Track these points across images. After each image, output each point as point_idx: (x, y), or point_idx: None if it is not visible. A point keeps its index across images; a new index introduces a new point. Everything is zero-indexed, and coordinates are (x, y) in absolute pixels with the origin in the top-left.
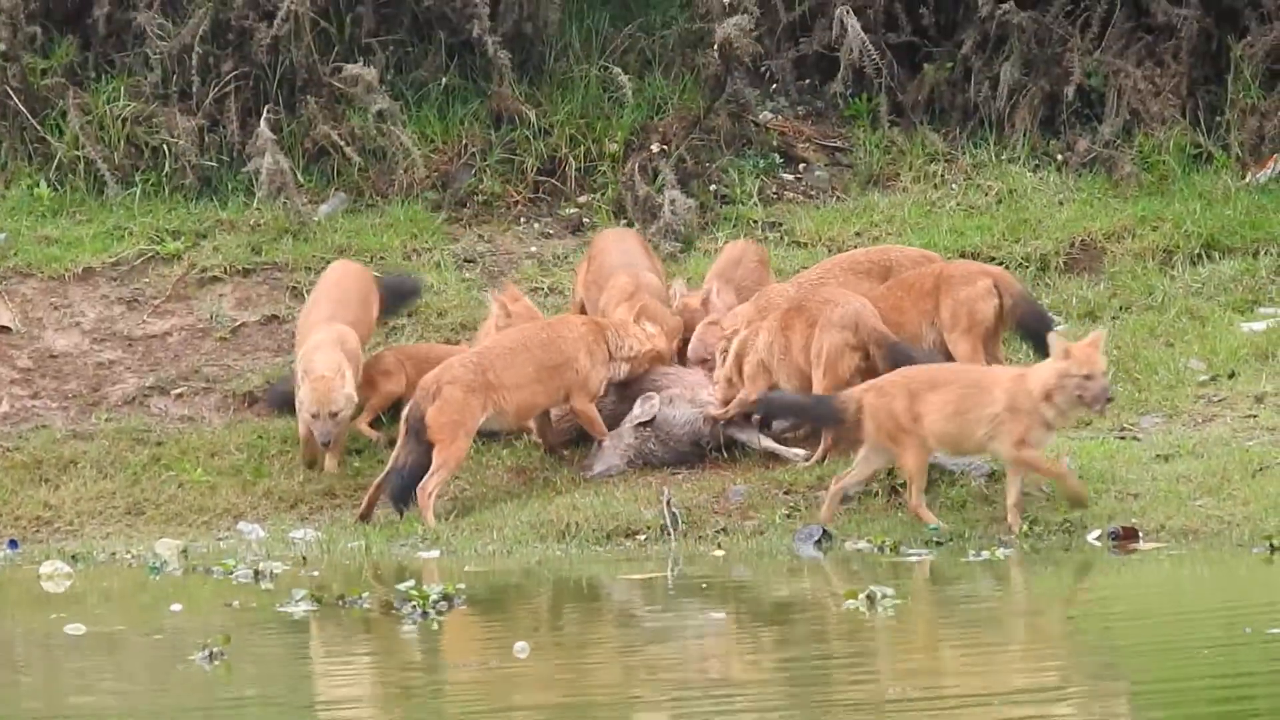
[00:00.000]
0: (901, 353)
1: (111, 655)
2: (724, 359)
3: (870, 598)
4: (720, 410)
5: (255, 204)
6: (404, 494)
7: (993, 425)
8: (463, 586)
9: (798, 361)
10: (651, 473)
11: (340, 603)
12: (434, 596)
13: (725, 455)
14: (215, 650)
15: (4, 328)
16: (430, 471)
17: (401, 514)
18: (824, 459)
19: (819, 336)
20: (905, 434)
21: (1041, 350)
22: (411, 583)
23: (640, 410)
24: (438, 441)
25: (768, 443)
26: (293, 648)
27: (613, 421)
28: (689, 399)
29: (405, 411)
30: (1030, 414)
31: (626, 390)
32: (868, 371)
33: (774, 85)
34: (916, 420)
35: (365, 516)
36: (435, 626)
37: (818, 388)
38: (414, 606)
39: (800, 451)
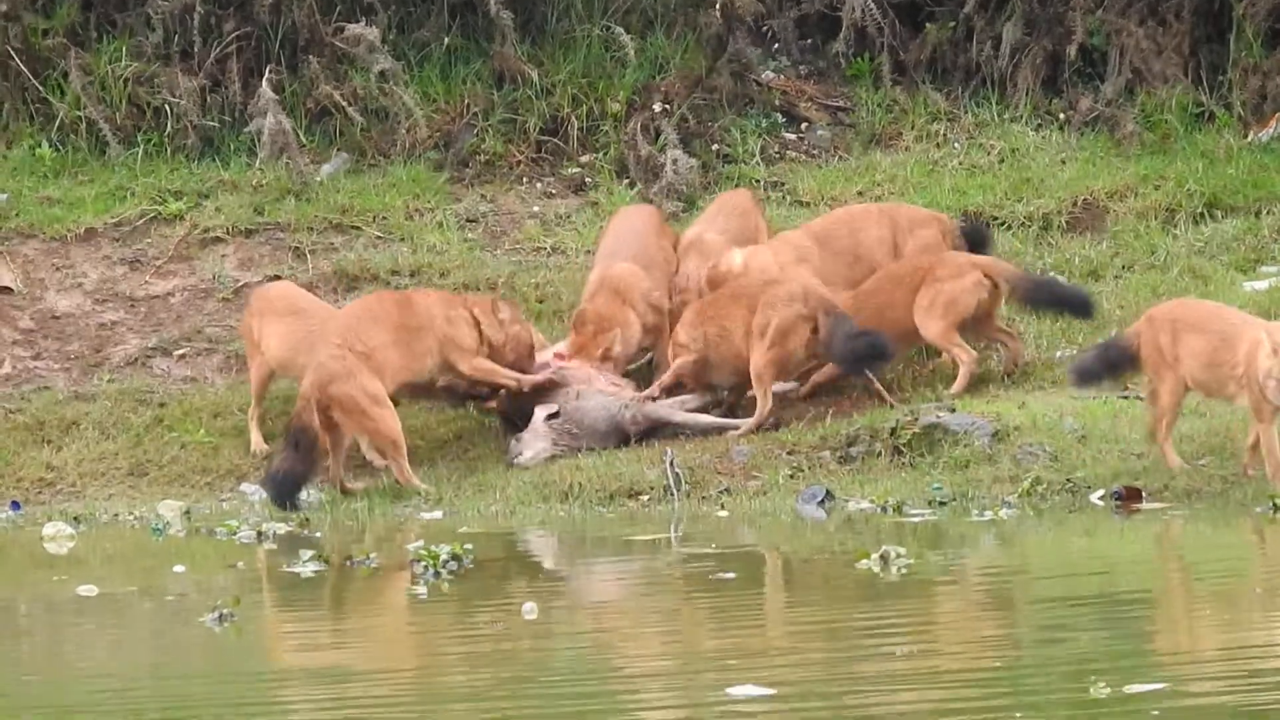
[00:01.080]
0: (844, 323)
1: (126, 617)
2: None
3: (884, 558)
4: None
5: (257, 164)
6: (278, 499)
7: (1238, 384)
8: (470, 547)
9: (737, 347)
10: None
11: (349, 563)
12: (444, 557)
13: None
14: (225, 612)
15: (6, 288)
16: (392, 460)
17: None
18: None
19: (765, 312)
20: (1166, 369)
21: (1061, 315)
22: (421, 543)
23: (541, 411)
24: (368, 433)
25: (705, 418)
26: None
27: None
28: (593, 389)
29: (291, 422)
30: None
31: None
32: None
33: (776, 44)
34: (1176, 360)
35: (343, 492)
36: (445, 587)
37: (760, 359)
38: (425, 567)
39: (744, 422)
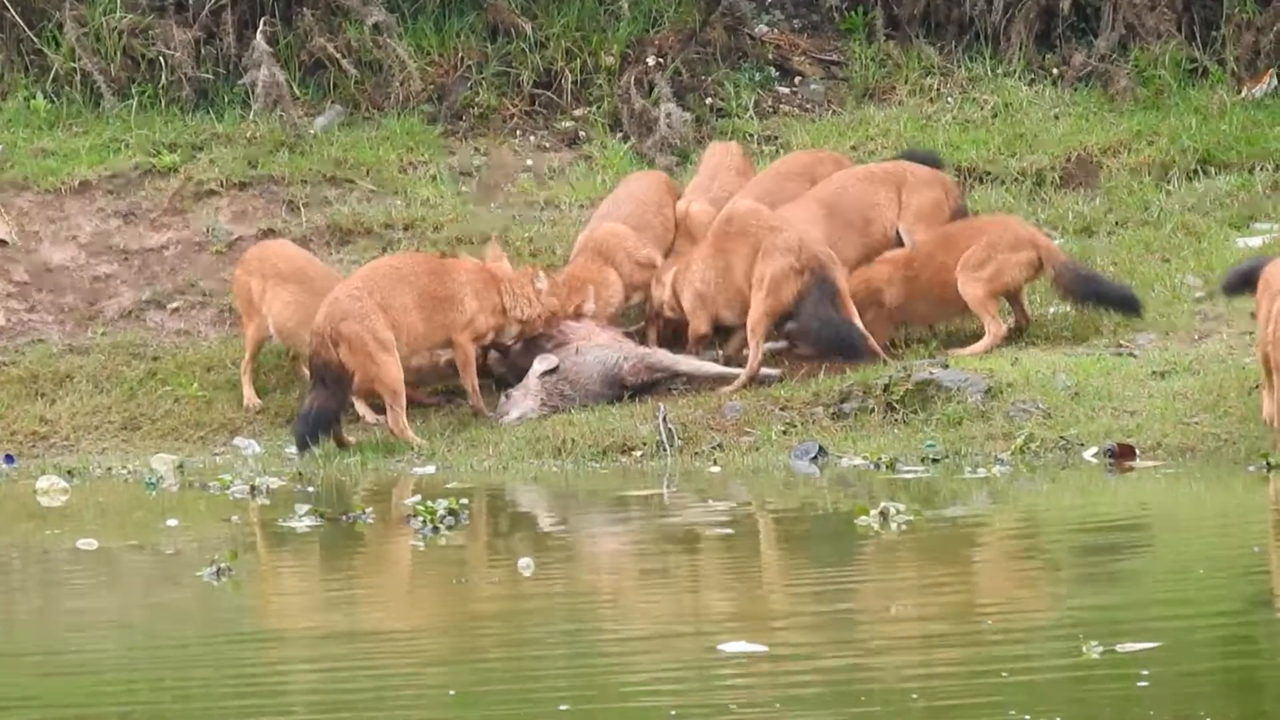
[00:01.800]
0: (824, 297)
1: (124, 571)
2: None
3: (883, 514)
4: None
5: (251, 117)
6: (306, 437)
7: None
8: (466, 502)
9: (739, 286)
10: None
11: (344, 518)
12: (441, 511)
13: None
14: (223, 566)
15: (0, 241)
16: (388, 407)
17: (302, 453)
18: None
19: (763, 262)
20: None
21: (1093, 308)
22: (418, 498)
23: (540, 364)
24: (372, 378)
25: (708, 366)
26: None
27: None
28: (593, 343)
29: (309, 359)
30: None
31: (528, 348)
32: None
33: None
34: None
35: (340, 444)
36: (443, 542)
37: (756, 310)
38: (422, 522)
39: (738, 371)
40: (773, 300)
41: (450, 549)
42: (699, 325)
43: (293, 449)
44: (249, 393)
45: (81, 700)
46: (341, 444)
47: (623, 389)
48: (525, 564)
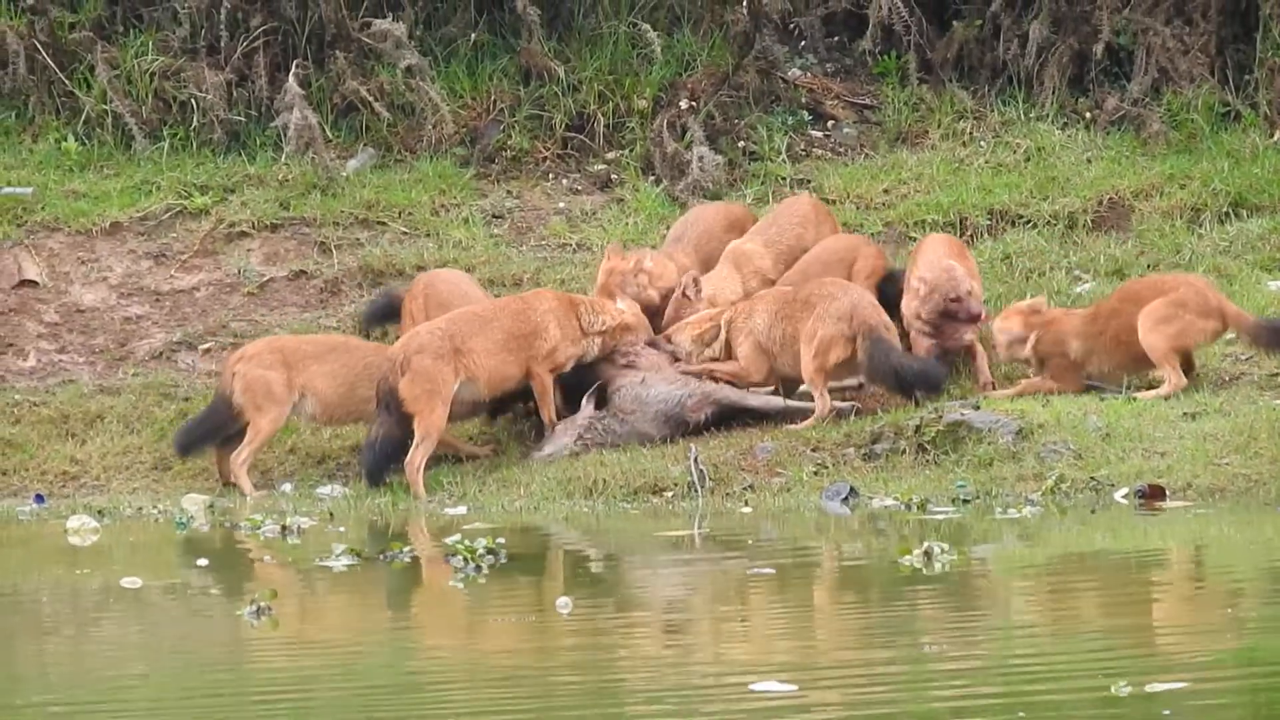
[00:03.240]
0: (882, 347)
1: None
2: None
3: (927, 554)
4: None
5: (283, 159)
6: (375, 466)
7: None
8: (503, 541)
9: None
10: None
11: (381, 557)
12: (480, 550)
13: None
14: (263, 605)
15: (31, 282)
16: (414, 445)
17: (375, 486)
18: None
19: (814, 324)
20: None
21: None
22: (459, 536)
23: (587, 403)
24: (415, 413)
25: (776, 401)
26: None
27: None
28: (662, 376)
29: (377, 384)
30: None
31: (593, 366)
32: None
33: (803, 42)
34: None
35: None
36: (483, 581)
37: (809, 366)
38: (464, 560)
39: (808, 405)
40: (822, 359)
41: (490, 588)
42: (752, 374)
43: (323, 489)
44: None
45: None
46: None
47: (682, 427)
48: (563, 603)
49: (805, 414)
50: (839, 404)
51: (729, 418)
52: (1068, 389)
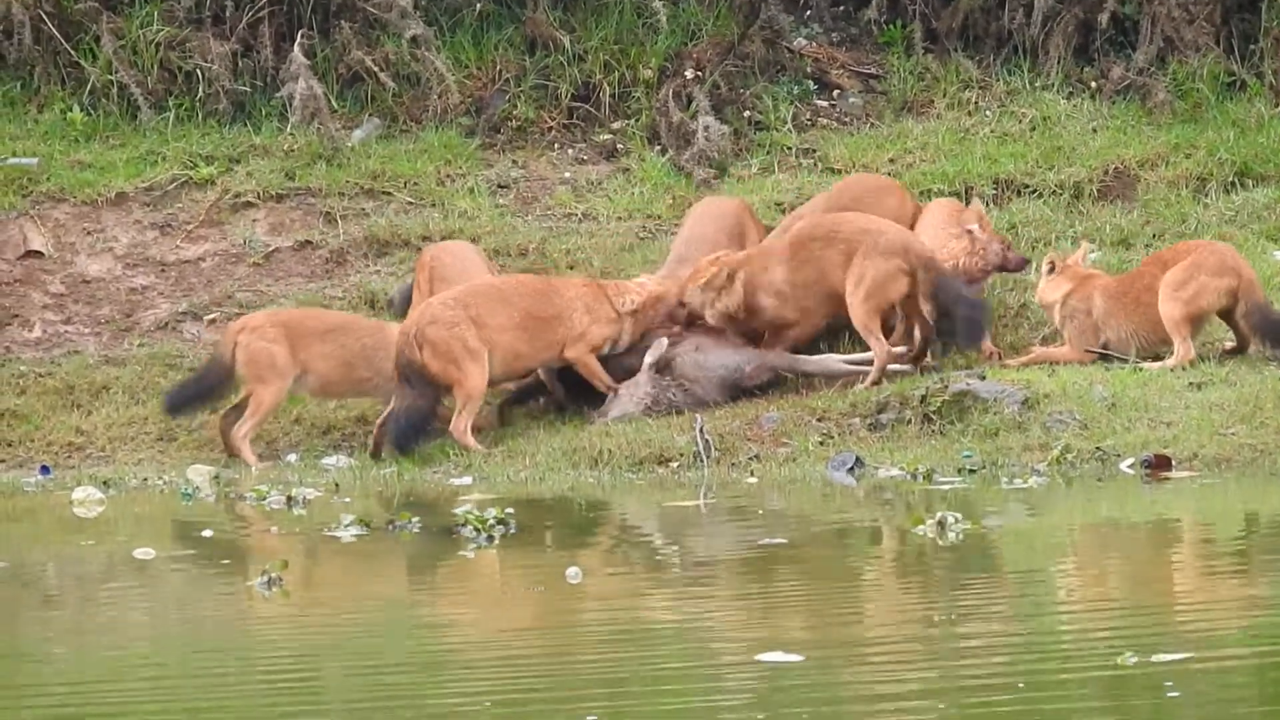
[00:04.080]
0: (949, 287)
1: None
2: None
3: (941, 523)
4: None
5: (288, 129)
6: (403, 438)
7: None
8: (511, 511)
9: (828, 293)
10: None
11: (390, 527)
12: (491, 520)
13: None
14: (274, 576)
15: (37, 253)
16: (456, 412)
17: (404, 455)
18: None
19: (862, 263)
20: None
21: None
22: (468, 506)
23: (650, 356)
24: (451, 383)
25: (833, 363)
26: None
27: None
28: (716, 343)
29: (395, 360)
30: None
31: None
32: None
33: (808, 11)
34: None
35: (375, 454)
36: (494, 551)
37: (861, 309)
38: (475, 530)
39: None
40: (877, 299)
41: (503, 557)
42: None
43: (329, 460)
44: None
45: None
46: (376, 456)
47: (741, 393)
48: (573, 573)
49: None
50: (896, 365)
51: (782, 382)
52: (1076, 356)
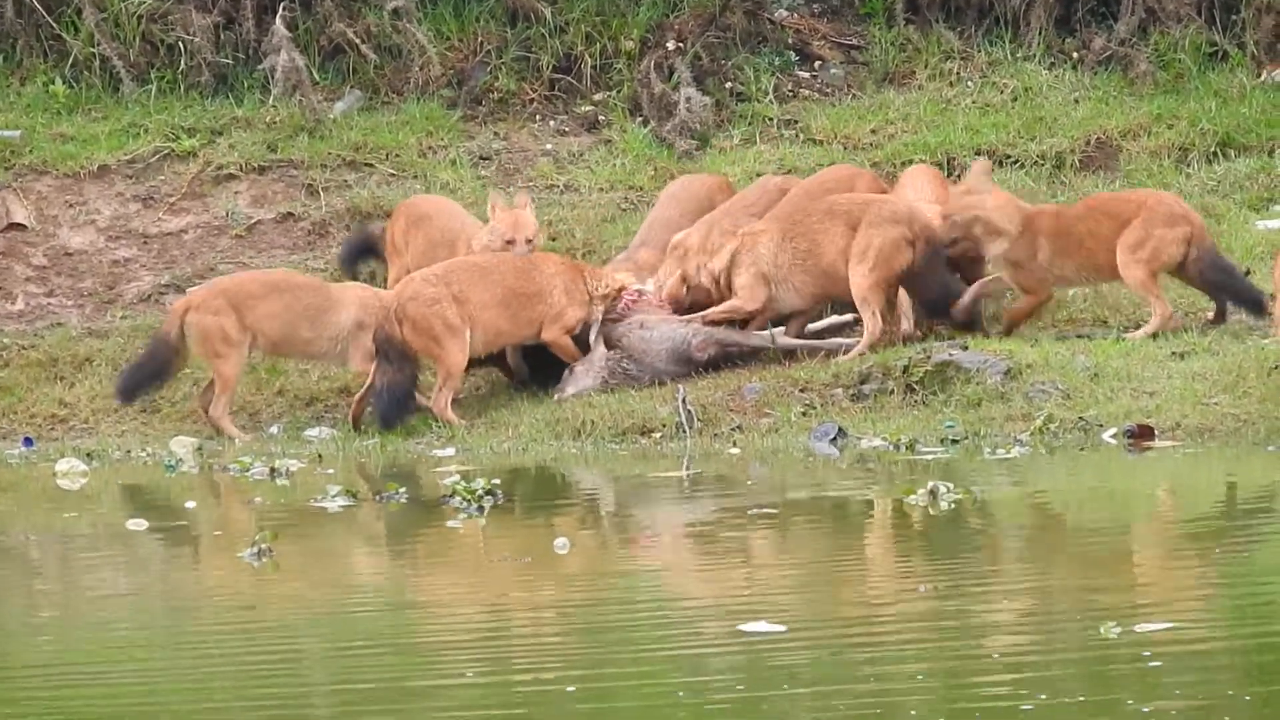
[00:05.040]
0: (940, 257)
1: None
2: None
3: (933, 493)
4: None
5: (271, 101)
6: (389, 413)
7: None
8: (498, 482)
9: (827, 264)
10: None
11: (378, 498)
12: (480, 491)
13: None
14: (264, 547)
15: (19, 225)
16: (436, 387)
17: (389, 430)
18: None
19: (868, 231)
20: None
21: (1225, 302)
22: (457, 477)
23: (594, 331)
24: (433, 358)
25: (786, 340)
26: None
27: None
28: (660, 318)
29: (374, 335)
30: None
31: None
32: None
33: None
34: None
35: (356, 426)
36: (483, 521)
37: (864, 281)
38: (464, 501)
39: (844, 341)
40: (882, 271)
41: (491, 528)
42: (748, 304)
43: (311, 431)
44: None
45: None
46: (357, 426)
47: (691, 365)
48: (561, 544)
49: (812, 354)
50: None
51: (733, 359)
52: (1039, 298)
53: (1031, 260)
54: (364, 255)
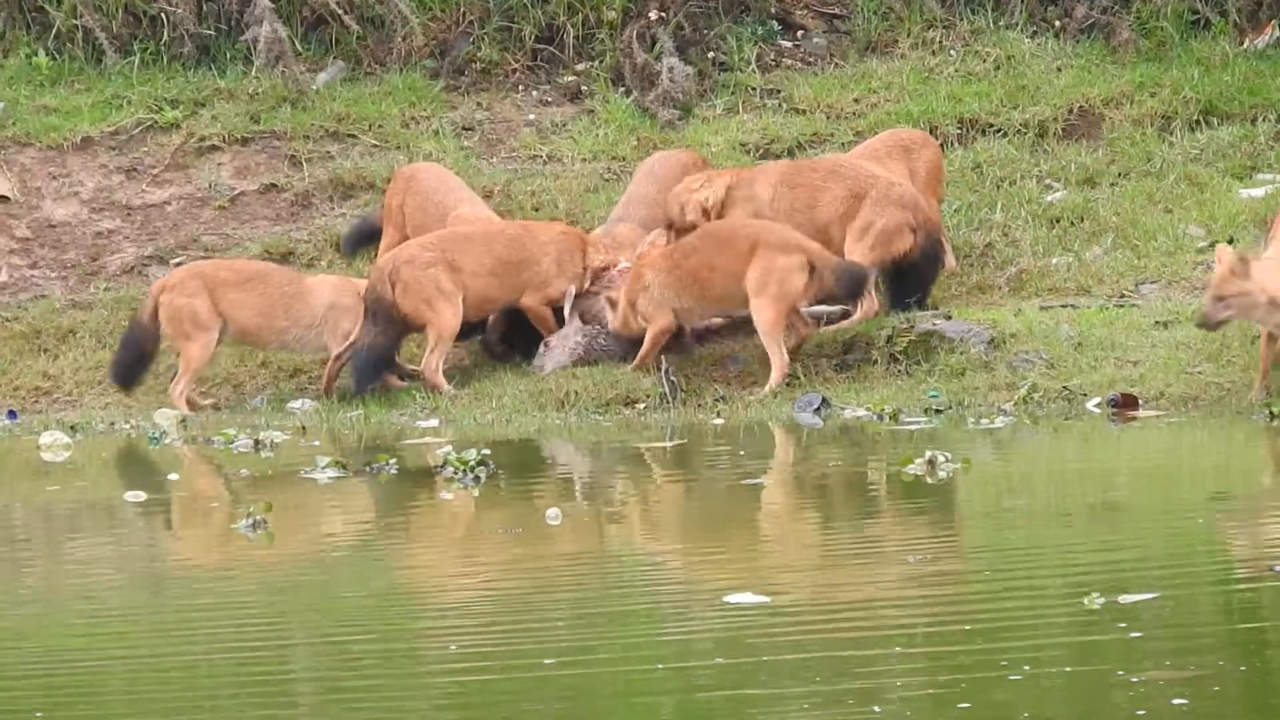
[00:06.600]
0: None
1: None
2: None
3: (931, 462)
4: None
5: (253, 73)
6: (361, 377)
7: None
8: (489, 452)
9: (820, 225)
10: None
11: (368, 469)
12: (472, 461)
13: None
14: (258, 518)
15: (3, 197)
16: (427, 350)
17: (360, 394)
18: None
19: (873, 209)
20: None
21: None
22: (449, 448)
23: (568, 304)
24: (423, 322)
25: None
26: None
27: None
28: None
29: (364, 293)
30: None
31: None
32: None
33: None
34: None
35: (328, 391)
36: (477, 492)
37: (862, 260)
38: (456, 471)
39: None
40: (882, 251)
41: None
42: None
43: (295, 403)
44: None
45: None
46: (329, 393)
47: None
48: (554, 514)
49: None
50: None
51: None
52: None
53: None
54: (366, 242)
